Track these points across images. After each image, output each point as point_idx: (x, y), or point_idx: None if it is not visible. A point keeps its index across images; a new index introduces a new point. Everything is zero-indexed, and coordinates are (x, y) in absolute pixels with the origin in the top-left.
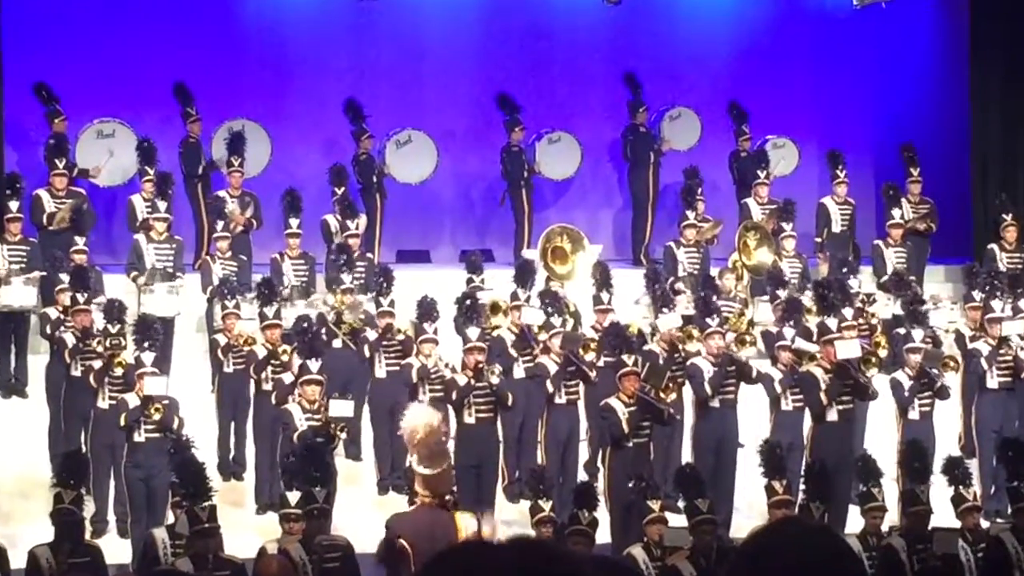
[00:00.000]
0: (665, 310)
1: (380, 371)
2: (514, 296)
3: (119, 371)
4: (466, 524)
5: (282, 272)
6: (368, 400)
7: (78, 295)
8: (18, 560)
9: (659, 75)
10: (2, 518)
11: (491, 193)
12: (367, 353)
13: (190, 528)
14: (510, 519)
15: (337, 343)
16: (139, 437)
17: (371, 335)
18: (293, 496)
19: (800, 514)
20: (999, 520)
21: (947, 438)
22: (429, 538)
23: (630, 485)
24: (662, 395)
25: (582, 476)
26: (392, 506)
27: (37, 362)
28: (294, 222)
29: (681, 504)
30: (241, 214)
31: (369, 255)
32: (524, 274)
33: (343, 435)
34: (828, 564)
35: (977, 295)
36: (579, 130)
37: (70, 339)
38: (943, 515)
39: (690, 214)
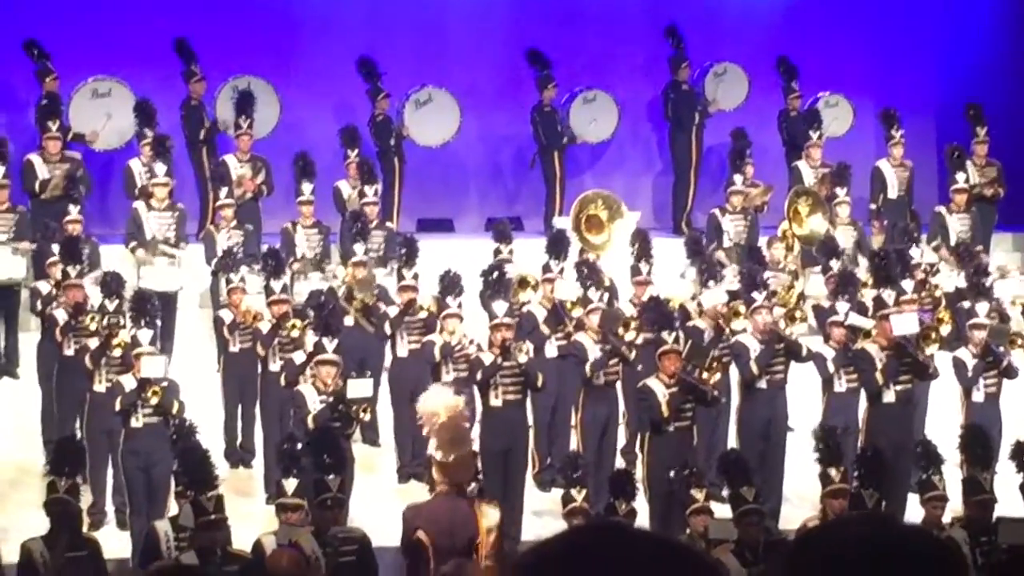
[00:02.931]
0: (711, 283)
1: (402, 349)
2: (546, 268)
3: (117, 351)
4: (488, 514)
5: (294, 243)
6: (388, 381)
7: (69, 268)
8: (10, 553)
9: (703, 28)
10: None
11: (520, 156)
12: (388, 330)
13: (195, 520)
14: (541, 508)
15: (349, 320)
16: (136, 422)
17: (392, 311)
18: (290, 484)
19: (853, 503)
20: None
21: (1015, 421)
22: (448, 529)
23: (671, 474)
24: (705, 375)
25: (619, 463)
26: (413, 496)
27: (29, 340)
28: (307, 188)
29: (726, 493)
30: (251, 179)
31: (389, 224)
32: (558, 245)
33: (366, 416)
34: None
35: None
36: (616, 88)
37: (61, 316)
38: (1012, 504)
39: (738, 179)
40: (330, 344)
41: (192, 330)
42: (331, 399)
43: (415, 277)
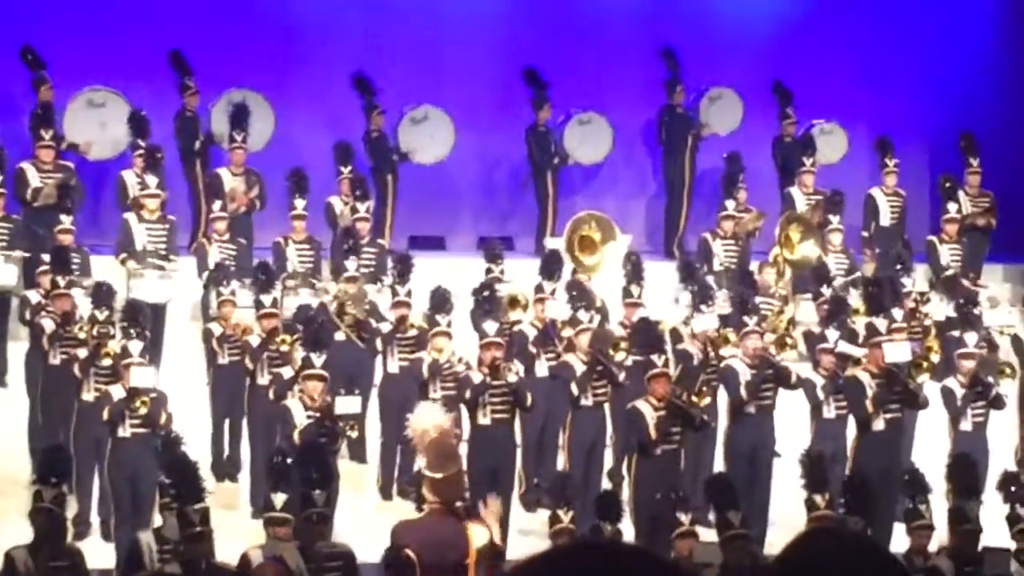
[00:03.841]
0: (703, 307)
1: (392, 366)
2: (539, 288)
3: (107, 361)
4: (478, 534)
5: (286, 257)
6: (379, 397)
7: (59, 277)
8: None
9: (698, 52)
10: None
11: (514, 176)
12: (379, 347)
13: (180, 532)
14: (527, 528)
15: (339, 335)
16: (124, 432)
17: (384, 327)
18: (279, 498)
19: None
20: None
21: (1003, 451)
22: (438, 548)
23: (657, 496)
24: (694, 399)
25: (606, 485)
26: (397, 513)
27: (19, 349)
28: (300, 203)
29: (712, 517)
30: (244, 193)
31: (380, 241)
32: (551, 265)
33: (353, 433)
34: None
35: None
36: (611, 110)
37: (49, 325)
38: (998, 535)
39: (730, 204)
40: (318, 359)
41: (182, 342)
42: (318, 414)
43: (408, 294)
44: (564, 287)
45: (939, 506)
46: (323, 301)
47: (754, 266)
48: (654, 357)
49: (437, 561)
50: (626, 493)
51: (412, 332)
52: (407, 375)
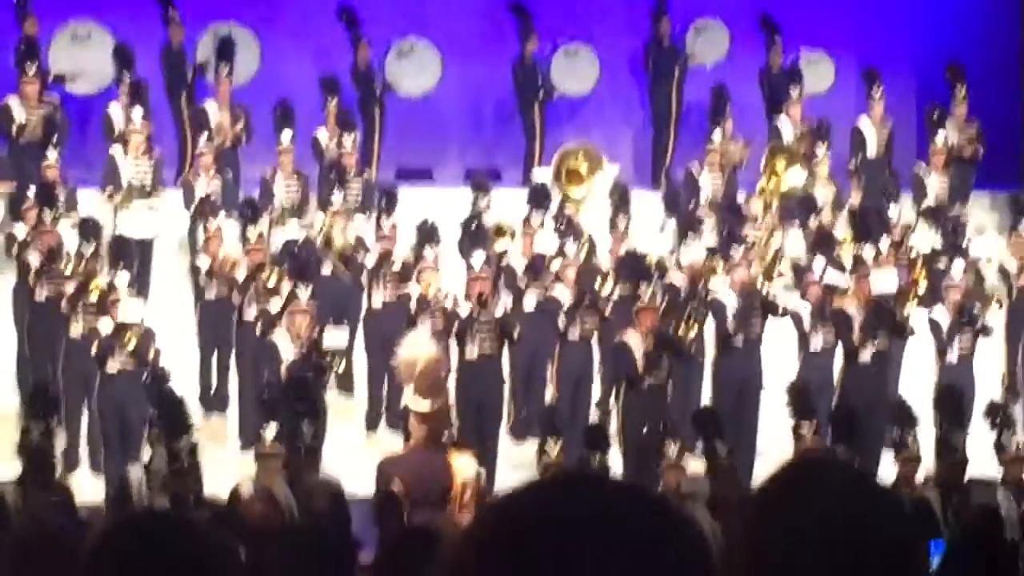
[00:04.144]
0: (690, 239)
1: (377, 300)
2: (527, 221)
3: (94, 296)
4: (464, 467)
5: (272, 191)
6: (364, 330)
7: (44, 213)
8: None
9: None
10: None
11: (501, 108)
12: (365, 280)
13: (168, 467)
14: (515, 461)
15: (325, 269)
16: (112, 368)
17: (369, 261)
18: (268, 432)
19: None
20: None
21: (991, 381)
22: (424, 481)
23: (645, 429)
24: (682, 331)
25: (594, 417)
26: (384, 444)
27: (4, 284)
28: (286, 137)
29: (699, 448)
30: (231, 127)
31: (367, 173)
32: (539, 197)
33: (339, 367)
34: (863, 508)
35: None
36: (597, 41)
37: (35, 260)
38: (983, 465)
39: (716, 135)
40: (304, 292)
41: (169, 277)
42: (305, 349)
43: (393, 227)
44: (552, 218)
45: (926, 437)
46: (308, 235)
47: (741, 197)
48: (641, 289)
49: (423, 493)
50: (614, 425)
51: (396, 267)
52: (392, 309)
